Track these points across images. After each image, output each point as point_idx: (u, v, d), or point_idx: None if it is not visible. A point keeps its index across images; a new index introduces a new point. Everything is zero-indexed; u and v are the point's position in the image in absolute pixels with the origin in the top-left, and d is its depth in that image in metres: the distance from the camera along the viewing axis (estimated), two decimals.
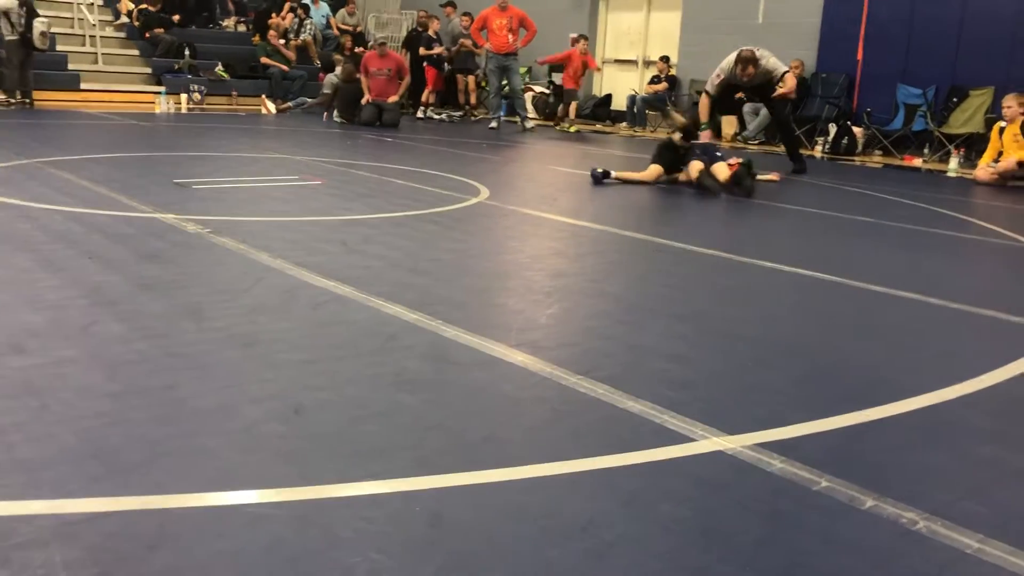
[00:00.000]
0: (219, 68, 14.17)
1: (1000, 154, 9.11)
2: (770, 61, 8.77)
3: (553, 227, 5.58)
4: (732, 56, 8.77)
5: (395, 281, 3.86)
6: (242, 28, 16.18)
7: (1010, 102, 9.05)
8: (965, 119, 11.23)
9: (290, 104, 13.52)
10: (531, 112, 14.57)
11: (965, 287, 4.49)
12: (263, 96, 13.51)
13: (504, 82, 13.27)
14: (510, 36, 12.75)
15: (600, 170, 7.58)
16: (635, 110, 14.49)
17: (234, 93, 13.83)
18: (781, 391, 2.75)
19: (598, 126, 14.93)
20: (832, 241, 5.94)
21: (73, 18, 14.18)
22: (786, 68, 9.01)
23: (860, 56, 12.22)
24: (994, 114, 10.30)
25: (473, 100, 15.35)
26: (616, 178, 7.57)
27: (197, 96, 13.28)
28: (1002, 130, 9.12)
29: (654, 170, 7.63)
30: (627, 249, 5.06)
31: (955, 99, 11.34)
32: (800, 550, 1.82)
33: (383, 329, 3.15)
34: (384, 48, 12.70)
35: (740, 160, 7.44)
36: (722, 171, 7.28)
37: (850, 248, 5.64)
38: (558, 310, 3.59)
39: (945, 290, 4.21)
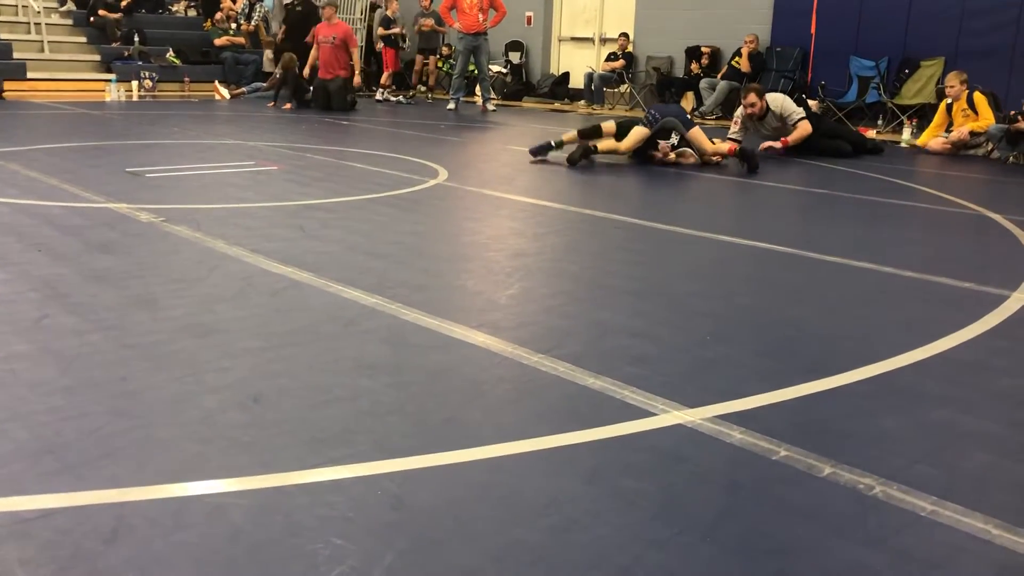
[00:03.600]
0: (170, 54, 13.90)
1: (950, 126, 9.27)
2: (784, 104, 8.54)
3: (512, 207, 5.57)
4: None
5: (353, 265, 3.83)
6: (192, 13, 15.88)
7: (952, 81, 9.21)
8: (917, 90, 11.38)
9: (244, 89, 13.32)
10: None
11: (918, 255, 4.56)
12: (216, 82, 13.29)
13: (471, 65, 13.19)
14: (480, 16, 12.65)
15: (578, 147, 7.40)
16: (592, 88, 14.48)
17: (186, 79, 13.59)
18: (740, 364, 2.78)
19: (556, 104, 14.91)
20: (788, 213, 6.01)
21: (17, 5, 13.81)
22: (801, 115, 8.51)
23: (813, 29, 12.32)
24: (943, 84, 10.45)
25: (431, 81, 15.24)
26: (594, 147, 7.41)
27: (148, 83, 13.02)
28: (949, 106, 9.27)
29: (639, 132, 7.43)
30: (586, 227, 5.07)
31: (907, 70, 11.49)
32: (760, 519, 1.85)
33: (342, 314, 3.13)
34: (332, 12, 12.48)
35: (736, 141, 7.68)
36: (718, 146, 7.46)
37: (806, 220, 5.71)
38: (518, 290, 3.59)
39: (898, 259, 4.27)
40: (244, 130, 9.50)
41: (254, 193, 5.60)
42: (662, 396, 2.45)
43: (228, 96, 12.99)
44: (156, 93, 13.08)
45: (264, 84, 13.46)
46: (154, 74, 13.21)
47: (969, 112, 9.13)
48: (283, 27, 13.83)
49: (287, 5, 14.01)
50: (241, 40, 14.41)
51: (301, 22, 13.46)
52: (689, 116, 7.65)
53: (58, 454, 2.01)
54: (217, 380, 2.48)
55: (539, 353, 2.76)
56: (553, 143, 7.57)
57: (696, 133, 7.48)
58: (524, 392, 2.48)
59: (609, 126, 7.57)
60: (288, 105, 11.99)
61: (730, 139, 8.30)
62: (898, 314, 3.42)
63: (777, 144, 8.29)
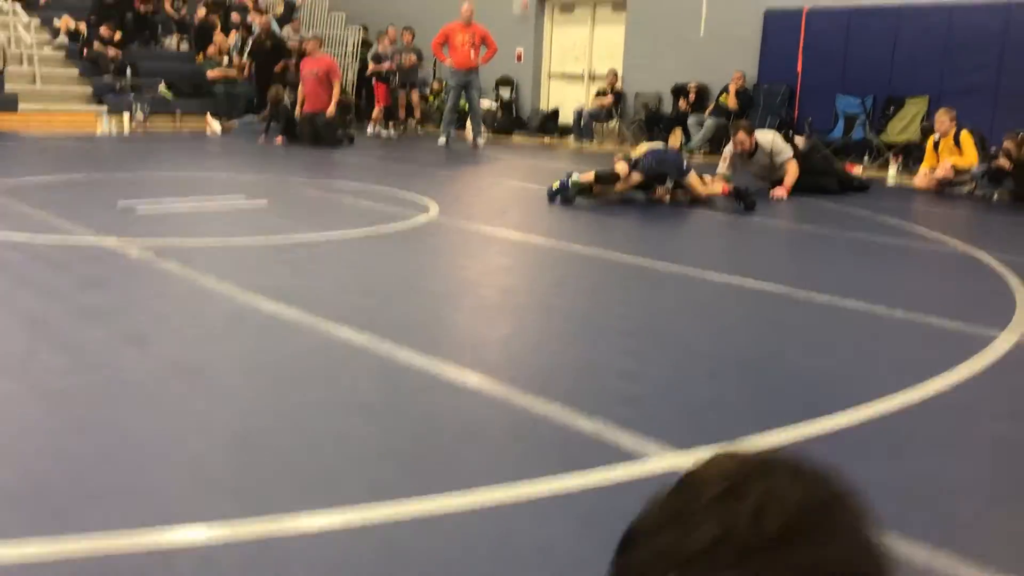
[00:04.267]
0: (162, 87, 13.95)
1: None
2: (774, 141, 8.54)
3: (503, 243, 5.58)
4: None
5: (344, 303, 3.83)
6: (185, 47, 15.96)
7: (942, 117, 9.33)
8: (902, 127, 11.51)
9: (235, 123, 13.35)
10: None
11: (907, 294, 4.58)
12: (207, 115, 13.31)
13: (462, 100, 13.30)
14: (472, 52, 12.76)
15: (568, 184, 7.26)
16: (582, 123, 14.59)
17: (178, 112, 13.62)
18: (733, 405, 2.77)
19: (546, 140, 15.01)
20: (778, 250, 6.04)
21: (10, 37, 13.86)
22: (789, 154, 8.47)
23: (799, 67, 12.48)
24: (929, 122, 10.57)
25: (417, 115, 15.32)
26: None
27: (140, 116, 13.04)
28: (936, 143, 9.38)
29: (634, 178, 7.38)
30: (577, 264, 5.08)
31: (892, 108, 11.63)
32: None
33: (333, 353, 3.11)
34: (315, 46, 12.57)
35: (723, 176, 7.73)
36: (711, 186, 7.47)
37: (796, 257, 5.74)
38: (510, 328, 3.59)
39: (888, 298, 4.29)
40: (235, 164, 9.52)
41: (245, 228, 5.59)
42: (655, 438, 2.44)
43: (219, 129, 13.02)
44: (148, 126, 13.10)
45: (256, 117, 13.50)
46: (146, 107, 13.24)
47: (956, 149, 9.24)
48: (249, 61, 13.85)
49: (254, 40, 13.93)
50: (233, 73, 14.48)
51: (269, 57, 13.49)
52: (684, 161, 7.60)
53: (43, 497, 1.98)
54: (206, 420, 2.46)
55: (531, 393, 2.75)
56: (570, 185, 7.23)
57: (691, 178, 7.50)
58: (516, 435, 2.47)
59: (623, 167, 7.44)
60: (279, 139, 12.03)
61: (720, 175, 8.36)
62: (889, 354, 3.43)
63: (781, 192, 8.27)
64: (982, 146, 9.38)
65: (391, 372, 2.93)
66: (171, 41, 16.01)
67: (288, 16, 17.37)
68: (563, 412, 2.61)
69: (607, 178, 7.29)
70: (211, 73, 14.34)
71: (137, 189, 7.04)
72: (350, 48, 17.72)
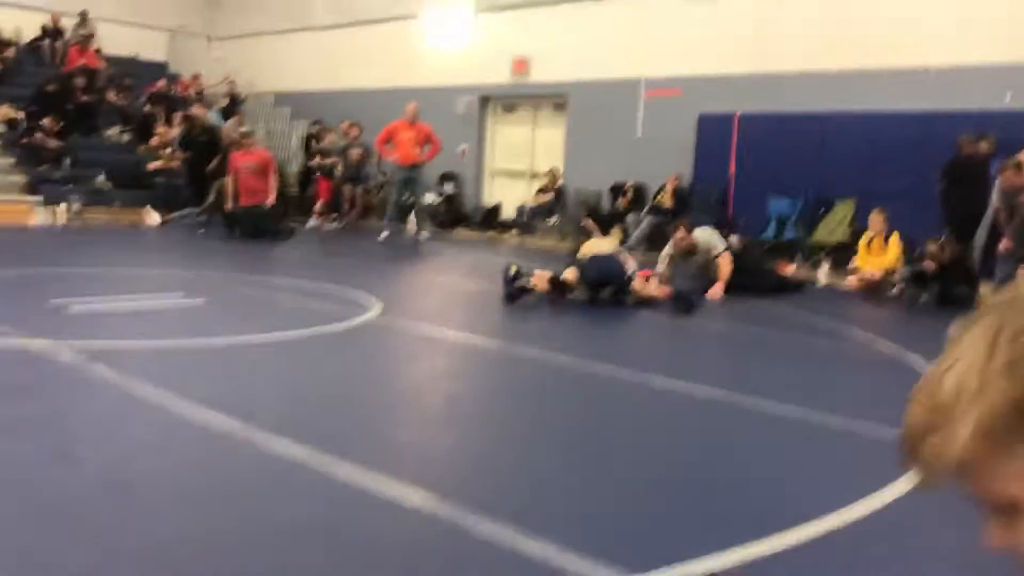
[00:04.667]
0: (101, 178, 13.80)
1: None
2: (710, 237, 8.78)
3: (448, 345, 5.55)
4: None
5: (283, 412, 3.74)
6: (127, 138, 15.89)
7: (875, 217, 9.70)
8: (831, 229, 11.92)
9: (174, 216, 13.22)
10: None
11: (845, 400, 4.66)
12: (147, 207, 13.17)
13: (406, 195, 13.43)
14: (416, 149, 12.95)
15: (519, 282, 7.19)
16: (524, 219, 14.82)
17: (116, 204, 13.46)
18: (681, 522, 2.75)
19: (489, 234, 15.17)
20: (718, 354, 6.12)
21: None
22: (722, 249, 8.66)
23: (732, 169, 12.92)
24: (857, 224, 10.98)
25: (360, 208, 15.39)
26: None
27: (76, 207, 12.84)
28: (870, 242, 9.73)
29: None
30: (522, 368, 5.06)
31: (822, 210, 12.06)
32: None
33: (271, 468, 3.02)
34: (249, 141, 12.61)
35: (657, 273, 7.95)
36: (654, 290, 7.56)
37: (735, 361, 5.81)
38: (454, 440, 3.54)
39: (827, 404, 4.35)
40: (174, 259, 9.39)
41: (182, 329, 5.47)
42: (605, 560, 2.39)
43: (158, 222, 12.87)
44: (84, 217, 12.89)
45: (196, 210, 13.40)
46: (82, 198, 13.05)
47: (885, 250, 9.58)
48: (183, 153, 13.71)
49: (188, 133, 13.76)
50: (175, 165, 14.40)
51: (203, 150, 13.39)
52: (626, 268, 7.62)
53: None
54: (136, 545, 2.35)
55: (478, 513, 2.69)
56: (528, 286, 7.14)
57: (634, 286, 7.60)
58: (463, 559, 2.41)
59: (573, 275, 7.39)
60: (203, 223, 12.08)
61: (658, 274, 8.51)
62: (833, 465, 3.46)
63: (718, 291, 8.43)
64: (907, 249, 9.75)
65: (331, 490, 2.85)
66: (113, 132, 15.94)
67: (232, 110, 17.50)
68: (511, 534, 2.55)
69: (561, 287, 7.28)
70: (152, 165, 14.28)
71: (71, 286, 6.86)
72: (294, 142, 17.87)
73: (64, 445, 3.13)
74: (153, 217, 12.91)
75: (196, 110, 13.91)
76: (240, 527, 2.52)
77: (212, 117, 14.58)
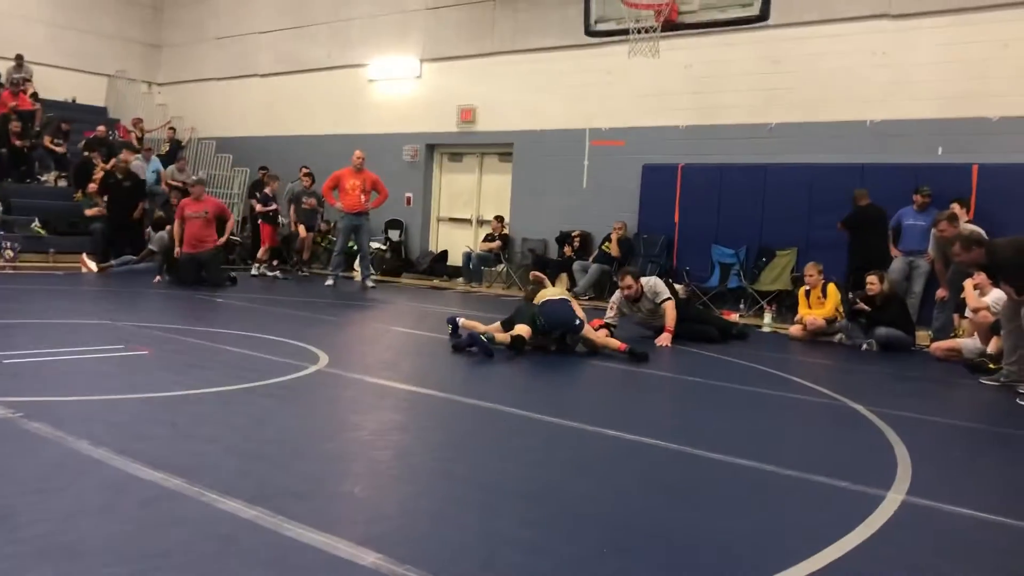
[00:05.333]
0: (35, 224, 13.46)
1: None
2: (656, 284, 8.83)
3: (397, 397, 5.47)
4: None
5: (230, 469, 3.63)
6: (63, 183, 15.55)
7: (811, 271, 9.95)
8: (774, 277, 12.17)
9: (113, 263, 12.93)
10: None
11: (794, 451, 4.70)
12: (83, 254, 12.86)
13: (351, 242, 13.36)
14: (362, 197, 12.93)
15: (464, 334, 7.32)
16: (471, 266, 14.83)
17: (51, 251, 13.12)
18: None
19: (435, 281, 15.14)
20: (669, 404, 6.15)
21: None
22: (667, 296, 8.74)
23: (676, 219, 13.14)
24: (799, 273, 11.22)
25: (307, 256, 15.28)
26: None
27: (9, 253, 12.48)
28: (808, 293, 9.94)
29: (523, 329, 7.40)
30: (474, 420, 5.01)
31: (764, 259, 12.31)
32: None
33: (219, 530, 2.92)
34: (201, 190, 12.46)
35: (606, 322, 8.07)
36: (607, 341, 7.63)
37: (685, 412, 5.84)
38: (406, 496, 3.46)
39: (777, 456, 4.39)
40: (113, 308, 9.15)
41: (123, 383, 5.30)
42: None
43: (96, 269, 12.57)
44: (18, 264, 12.52)
45: (135, 258, 13.13)
46: (16, 244, 12.70)
47: (822, 298, 9.81)
48: (104, 199, 13.46)
49: (111, 178, 13.43)
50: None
51: (127, 196, 13.20)
52: (577, 317, 7.66)
53: None
54: None
55: (431, 574, 2.63)
56: (488, 340, 7.11)
57: (586, 332, 7.63)
58: None
59: (527, 330, 7.38)
60: (158, 278, 11.81)
61: (606, 323, 8.55)
62: (785, 518, 3.47)
63: (666, 339, 8.51)
64: (847, 295, 9.99)
65: (281, 553, 2.76)
66: (49, 177, 15.61)
67: (174, 156, 17.30)
68: None
69: (518, 344, 7.26)
70: (89, 211, 13.97)
71: (4, 337, 6.64)
72: (236, 189, 17.73)
73: (1, 507, 2.99)
74: (90, 264, 12.60)
75: (123, 155, 13.60)
76: None
77: (136, 164, 14.22)
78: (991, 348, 7.87)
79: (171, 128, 18.92)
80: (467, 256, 14.92)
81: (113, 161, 13.54)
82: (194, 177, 15.01)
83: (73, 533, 2.80)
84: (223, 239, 12.54)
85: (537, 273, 9.20)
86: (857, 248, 10.77)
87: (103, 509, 3.05)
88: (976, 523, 3.54)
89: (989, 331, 7.89)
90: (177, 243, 11.93)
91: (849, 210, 10.92)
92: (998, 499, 3.92)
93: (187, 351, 6.58)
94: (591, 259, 13.52)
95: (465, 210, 16.34)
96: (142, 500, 3.16)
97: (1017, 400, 6.43)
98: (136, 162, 14.01)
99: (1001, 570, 3.07)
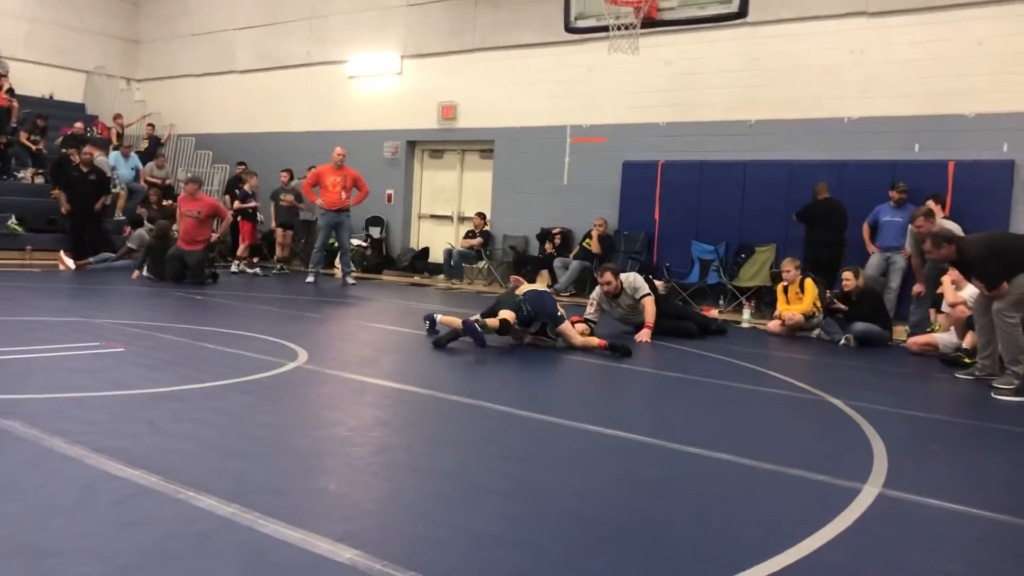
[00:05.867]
0: (12, 221, 13.31)
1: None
2: (635, 280, 8.84)
3: (376, 393, 5.46)
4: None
5: (207, 466, 3.60)
6: (40, 180, 15.40)
7: (788, 266, 10.00)
8: (753, 273, 12.23)
9: (91, 260, 12.82)
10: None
11: (772, 446, 4.73)
12: (61, 251, 12.74)
13: (332, 239, 13.30)
14: (343, 194, 12.88)
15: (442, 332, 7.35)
16: (452, 263, 14.81)
17: (28, 248, 12.99)
18: (616, 574, 2.72)
19: (416, 278, 15.11)
20: (649, 400, 6.16)
21: None
22: (646, 292, 8.76)
23: (657, 215, 13.17)
24: (778, 269, 11.29)
25: (287, 253, 15.22)
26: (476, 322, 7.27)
27: None
28: (785, 289, 10.00)
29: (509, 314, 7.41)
30: (455, 416, 5.01)
31: (743, 255, 12.37)
32: None
33: (195, 527, 2.90)
34: (195, 188, 12.39)
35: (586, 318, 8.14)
36: (587, 339, 7.65)
37: (665, 407, 5.86)
38: (385, 492, 3.46)
39: (755, 450, 4.41)
40: (90, 305, 9.07)
41: (98, 380, 5.26)
42: None
43: (74, 267, 12.45)
44: None
45: (113, 255, 13.03)
46: None
47: (800, 294, 9.87)
48: (64, 193, 12.92)
49: (75, 171, 12.95)
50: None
51: (91, 191, 12.82)
52: (559, 309, 7.73)
53: None
54: None
55: (411, 571, 2.62)
56: (480, 325, 7.21)
57: (565, 328, 7.64)
58: None
59: (511, 315, 7.41)
60: (135, 273, 11.74)
61: (586, 319, 8.57)
62: (763, 511, 3.49)
63: (645, 335, 8.53)
64: (824, 290, 10.05)
65: (258, 550, 2.74)
66: (26, 174, 15.45)
67: (153, 152, 17.18)
68: None
69: (507, 329, 7.32)
70: (66, 209, 13.81)
71: None
72: (215, 186, 17.63)
73: None
74: (68, 262, 12.49)
75: (88, 148, 13.32)
76: None
77: (101, 159, 13.91)
78: (966, 343, 7.95)
79: (150, 125, 18.77)
80: (448, 253, 14.90)
81: (75, 154, 13.16)
82: (188, 175, 14.90)
83: (45, 532, 2.77)
84: (216, 236, 12.50)
85: (517, 276, 9.24)
86: (809, 241, 10.90)
87: (76, 507, 3.03)
88: (950, 514, 3.57)
89: (965, 326, 7.97)
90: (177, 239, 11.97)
91: (828, 205, 11.01)
92: (972, 491, 3.96)
93: (164, 348, 6.53)
94: (572, 256, 13.54)
95: (446, 207, 16.31)
96: (116, 498, 3.14)
97: (991, 394, 6.50)
98: (101, 158, 13.74)
99: (973, 560, 3.10)
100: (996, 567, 3.05)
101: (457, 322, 7.50)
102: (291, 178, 14.91)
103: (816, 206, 10.97)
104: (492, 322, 7.32)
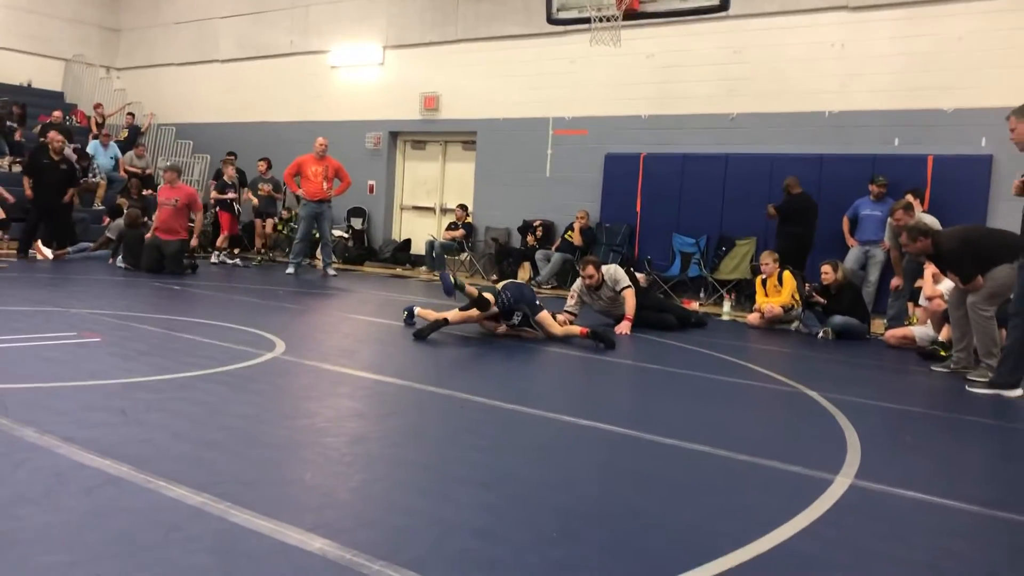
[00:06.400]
0: None
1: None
2: (616, 272, 8.84)
3: (353, 384, 5.44)
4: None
5: (179, 456, 3.58)
6: (16, 168, 15.22)
7: (766, 259, 10.05)
8: (733, 266, 12.27)
9: (69, 250, 12.69)
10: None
11: (748, 437, 4.74)
12: (37, 241, 12.60)
13: (314, 229, 13.23)
14: (324, 184, 12.82)
15: (423, 323, 7.35)
16: (434, 254, 14.78)
17: (4, 237, 12.85)
18: (587, 565, 2.73)
19: (398, 270, 15.07)
20: (626, 391, 6.18)
21: None
22: (627, 284, 8.76)
23: (639, 208, 13.19)
24: (757, 262, 11.33)
25: (267, 243, 15.14)
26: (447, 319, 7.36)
27: None
28: (764, 282, 10.04)
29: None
30: (432, 407, 5.00)
31: (724, 248, 12.41)
32: None
33: (164, 518, 2.88)
34: (175, 176, 12.27)
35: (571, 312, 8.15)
36: (567, 328, 7.65)
37: (643, 398, 5.87)
38: (358, 483, 3.44)
39: (731, 441, 4.43)
40: (67, 295, 8.99)
41: (72, 370, 5.21)
42: None
43: (51, 256, 12.33)
44: None
45: (91, 245, 12.92)
46: None
47: (778, 286, 9.91)
48: (31, 179, 12.44)
49: (44, 158, 12.48)
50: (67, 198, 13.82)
51: (60, 180, 12.39)
52: (538, 299, 7.79)
53: None
54: None
55: (380, 560, 2.62)
56: (458, 283, 7.35)
57: (544, 317, 7.65)
58: None
59: (490, 297, 7.51)
60: (112, 260, 11.68)
61: (567, 311, 8.58)
62: (736, 501, 3.50)
63: (625, 327, 8.54)
64: (803, 282, 10.11)
65: (228, 540, 2.73)
66: (2, 162, 15.28)
67: (132, 142, 17.03)
68: None
69: (483, 303, 7.39)
70: (29, 194, 13.63)
71: None
72: (196, 176, 17.51)
73: None
74: (45, 252, 12.36)
75: (53, 134, 13.04)
76: None
77: (68, 151, 13.59)
78: (943, 336, 8.01)
79: (130, 114, 18.61)
80: (430, 245, 14.86)
81: (41, 137, 12.75)
82: (168, 163, 14.74)
83: (12, 521, 2.75)
84: (194, 238, 12.38)
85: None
86: (783, 235, 10.97)
87: (44, 496, 3.00)
88: (920, 505, 3.60)
89: (941, 319, 8.03)
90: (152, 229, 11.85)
91: (818, 198, 11.07)
92: (944, 482, 3.99)
93: (140, 338, 6.48)
94: (554, 248, 13.53)
95: (428, 199, 16.27)
96: (86, 488, 3.11)
97: (966, 387, 6.55)
98: (68, 149, 13.50)
99: (941, 550, 3.12)
100: (966, 557, 3.08)
101: (434, 315, 7.51)
102: (268, 167, 14.82)
103: (794, 200, 11.03)
104: (471, 290, 7.39)
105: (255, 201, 14.62)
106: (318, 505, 3.14)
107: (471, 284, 7.69)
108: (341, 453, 3.83)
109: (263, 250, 14.93)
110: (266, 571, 2.53)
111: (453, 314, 7.46)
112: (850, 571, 2.82)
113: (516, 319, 7.61)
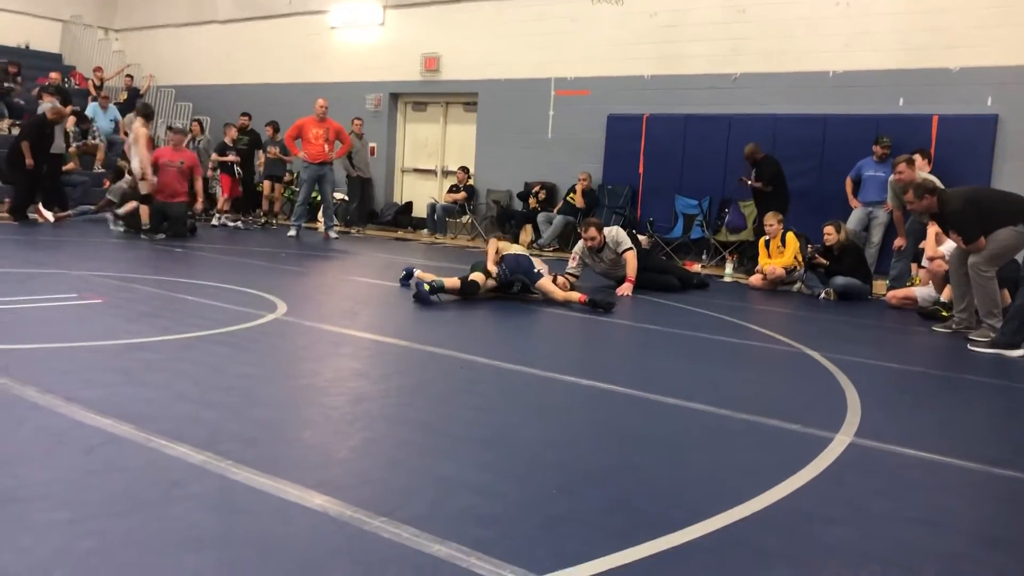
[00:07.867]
0: None
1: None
2: (618, 234, 8.78)
3: (354, 345, 5.45)
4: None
5: (180, 415, 3.59)
6: (16, 131, 15.12)
7: (770, 220, 9.99)
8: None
9: (71, 212, 12.66)
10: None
11: (749, 396, 4.75)
12: (39, 204, 12.56)
13: (315, 192, 13.17)
14: (326, 146, 12.75)
15: (424, 286, 7.17)
16: (435, 217, 14.74)
17: (5, 201, 12.81)
18: (587, 521, 2.74)
19: (399, 233, 15.03)
20: (627, 351, 6.18)
21: None
22: (628, 246, 8.71)
23: (641, 170, 13.11)
24: (760, 224, 11.27)
25: (277, 207, 15.11)
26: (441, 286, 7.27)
27: None
28: (767, 243, 10.00)
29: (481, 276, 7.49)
30: (432, 367, 5.01)
31: (726, 210, 12.34)
32: None
33: (165, 476, 2.89)
34: (180, 139, 12.20)
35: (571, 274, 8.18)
36: (568, 293, 7.60)
37: (644, 358, 5.87)
38: (359, 441, 3.46)
39: (731, 400, 4.44)
40: (69, 258, 8.98)
41: (74, 331, 5.22)
42: (510, 562, 2.37)
43: (52, 219, 12.30)
44: None
45: (92, 207, 12.88)
46: None
47: (781, 248, 9.88)
48: (26, 143, 12.05)
49: (47, 127, 12.26)
50: (70, 163, 13.77)
51: (46, 144, 12.18)
52: (536, 267, 7.71)
53: None
54: (14, 564, 2.21)
55: (381, 516, 2.63)
56: (435, 286, 7.17)
57: (544, 283, 7.61)
58: (364, 564, 2.34)
59: (481, 278, 7.47)
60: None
61: (568, 273, 8.56)
62: (735, 459, 3.51)
63: (627, 289, 8.53)
64: (806, 244, 10.07)
65: (229, 497, 2.74)
66: (2, 125, 15.20)
67: (131, 104, 16.89)
68: (415, 536, 2.50)
69: (470, 289, 7.34)
70: (30, 162, 13.55)
71: None
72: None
73: None
74: (46, 214, 12.33)
75: (46, 99, 12.80)
76: (130, 538, 2.40)
77: (45, 106, 13.33)
78: (944, 296, 8.00)
79: (128, 76, 18.46)
80: (432, 207, 14.81)
81: (53, 111, 12.67)
82: (178, 124, 14.60)
83: (11, 480, 2.76)
84: (198, 201, 12.33)
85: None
86: (765, 201, 10.89)
87: (45, 455, 3.01)
88: (918, 462, 3.61)
89: (943, 280, 8.01)
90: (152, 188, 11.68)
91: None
92: (942, 440, 4.00)
93: (142, 300, 6.49)
94: (556, 210, 13.48)
95: (430, 161, 16.18)
96: (87, 446, 3.13)
97: (967, 346, 6.55)
98: (44, 105, 13.28)
99: (939, 507, 3.13)
100: (961, 514, 3.09)
101: (430, 277, 7.48)
102: (276, 131, 14.73)
103: (769, 165, 10.95)
104: (451, 283, 7.32)
105: (260, 160, 14.55)
106: (319, 463, 3.16)
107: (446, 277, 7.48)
108: (342, 412, 3.84)
109: (266, 213, 14.89)
110: (267, 527, 2.54)
111: (452, 281, 7.40)
112: (847, 526, 2.83)
113: (516, 288, 7.62)
